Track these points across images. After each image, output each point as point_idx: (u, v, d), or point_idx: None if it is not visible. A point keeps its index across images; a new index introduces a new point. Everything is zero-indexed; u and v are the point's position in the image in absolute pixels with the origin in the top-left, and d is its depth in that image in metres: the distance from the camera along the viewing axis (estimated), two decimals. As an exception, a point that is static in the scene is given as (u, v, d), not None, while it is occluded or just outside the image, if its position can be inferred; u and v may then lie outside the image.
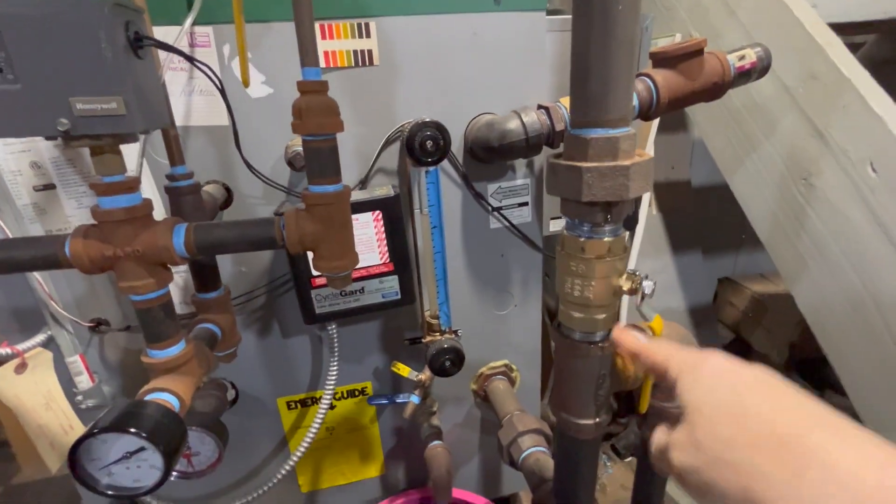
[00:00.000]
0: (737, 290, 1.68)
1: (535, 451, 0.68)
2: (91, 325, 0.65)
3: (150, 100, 0.38)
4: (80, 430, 0.66)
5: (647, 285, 0.40)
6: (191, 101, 0.59)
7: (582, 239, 0.40)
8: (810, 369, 1.52)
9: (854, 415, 0.80)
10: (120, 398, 0.71)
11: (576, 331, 0.44)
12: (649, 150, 1.24)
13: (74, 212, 0.61)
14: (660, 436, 0.32)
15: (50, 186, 0.59)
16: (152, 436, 0.36)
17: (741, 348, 1.68)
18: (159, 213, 0.60)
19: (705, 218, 1.47)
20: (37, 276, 0.60)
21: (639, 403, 0.47)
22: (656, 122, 1.23)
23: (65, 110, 0.33)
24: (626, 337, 0.39)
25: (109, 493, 0.37)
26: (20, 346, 0.60)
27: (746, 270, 1.74)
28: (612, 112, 0.35)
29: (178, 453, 0.38)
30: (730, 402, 0.27)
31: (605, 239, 0.39)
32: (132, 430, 0.35)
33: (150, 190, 0.60)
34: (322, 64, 0.60)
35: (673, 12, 1.05)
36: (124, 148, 0.38)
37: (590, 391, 0.45)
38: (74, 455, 0.36)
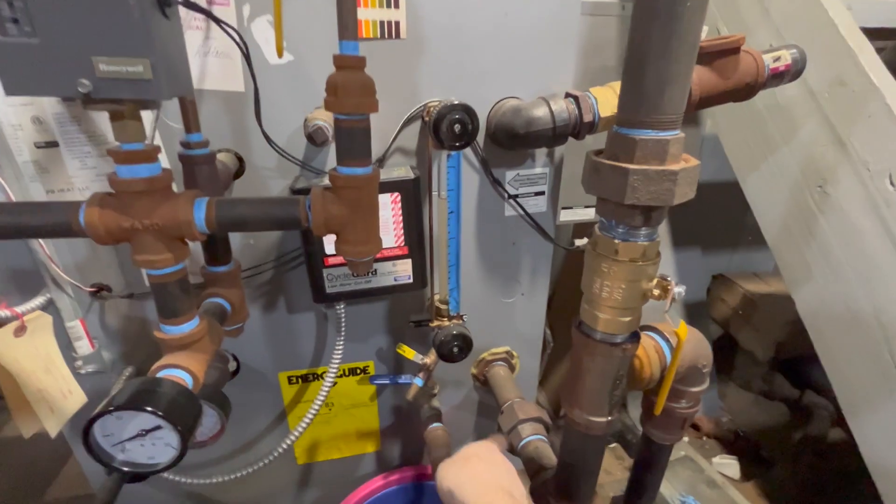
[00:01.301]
0: (729, 287, 1.71)
1: (535, 439, 0.69)
2: (92, 290, 0.63)
3: (175, 64, 0.35)
4: (79, 395, 0.65)
5: (678, 291, 0.39)
6: (206, 62, 0.56)
7: (616, 241, 0.39)
8: (793, 369, 1.56)
9: (841, 418, 0.83)
10: (119, 365, 0.70)
11: (598, 331, 0.43)
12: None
13: (78, 172, 0.58)
14: None
15: (52, 144, 0.56)
16: (169, 414, 0.35)
17: (729, 344, 1.72)
18: (169, 179, 0.57)
19: (708, 214, 1.47)
20: (37, 239, 0.57)
21: (655, 405, 0.47)
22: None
23: (87, 70, 0.31)
24: None
25: (124, 469, 0.37)
26: (19, 309, 0.58)
27: (741, 268, 1.77)
28: (666, 114, 0.34)
29: (193, 432, 0.38)
30: None
31: (641, 242, 0.39)
32: (149, 408, 0.34)
33: (161, 156, 0.57)
34: (347, 33, 0.57)
35: (702, 3, 1.02)
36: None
37: (606, 390, 0.45)
38: (89, 430, 0.35)
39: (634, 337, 0.44)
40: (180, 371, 0.40)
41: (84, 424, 0.35)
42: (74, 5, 0.30)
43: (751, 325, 1.64)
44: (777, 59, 0.64)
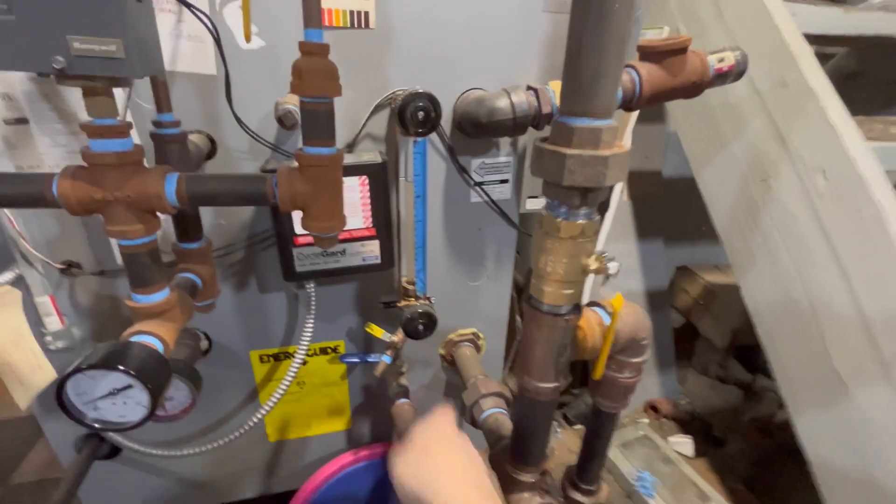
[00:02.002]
0: (691, 278, 1.79)
1: (495, 412, 0.74)
2: (62, 266, 0.64)
3: (147, 44, 0.37)
4: (48, 370, 0.66)
5: (613, 266, 0.44)
6: (178, 45, 0.57)
7: (559, 220, 0.43)
8: (747, 355, 1.66)
9: (780, 398, 0.90)
10: (89, 342, 0.71)
11: (544, 303, 0.48)
12: (627, 141, 1.28)
13: (48, 150, 0.59)
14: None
15: (22, 121, 0.57)
16: (139, 374, 0.38)
17: (689, 332, 1.81)
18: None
19: (671, 208, 1.54)
20: (7, 213, 0.58)
21: (594, 371, 0.52)
22: (636, 113, 1.27)
23: (61, 48, 0.33)
24: None
25: (96, 425, 0.39)
26: (-12, 283, 0.58)
27: (703, 260, 1.86)
28: (599, 104, 0.38)
29: (163, 392, 0.40)
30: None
31: (580, 221, 0.43)
32: (120, 367, 0.37)
33: (133, 135, 0.59)
34: (317, 21, 0.59)
35: (664, 5, 1.07)
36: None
37: (552, 358, 0.49)
38: (62, 388, 0.37)
39: (576, 309, 0.48)
40: (151, 337, 0.43)
41: (58, 381, 0.37)
42: (49, -15, 0.31)
43: (710, 314, 1.73)
44: (721, 59, 0.69)
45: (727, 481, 1.24)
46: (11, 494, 1.19)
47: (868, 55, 1.44)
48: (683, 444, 1.34)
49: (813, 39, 0.92)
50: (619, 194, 1.37)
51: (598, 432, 0.65)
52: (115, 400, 0.39)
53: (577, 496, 0.69)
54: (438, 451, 0.47)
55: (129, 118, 0.57)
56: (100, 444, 0.79)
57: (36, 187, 0.38)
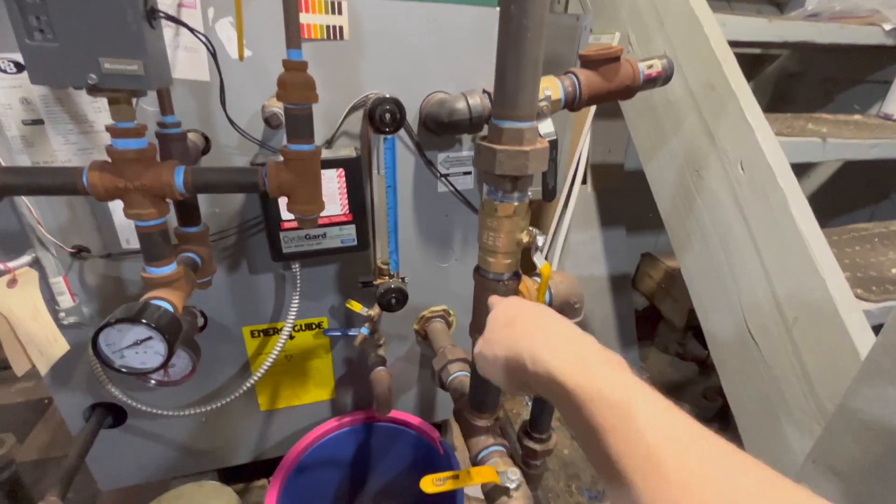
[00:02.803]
0: (654, 264, 1.93)
1: (460, 374, 0.84)
2: (73, 250, 0.73)
3: (160, 63, 0.46)
4: (62, 343, 0.74)
5: (540, 239, 0.54)
6: (176, 55, 0.66)
7: (496, 202, 0.53)
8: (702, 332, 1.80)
9: (706, 360, 1.03)
10: (97, 318, 0.80)
11: (489, 272, 0.58)
12: (586, 135, 1.40)
13: (60, 147, 0.67)
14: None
15: (38, 122, 0.65)
16: (159, 327, 0.47)
17: (653, 314, 1.95)
18: (144, 154, 0.67)
19: (634, 199, 1.67)
20: (26, 202, 0.66)
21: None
22: (592, 110, 1.39)
23: (94, 67, 0.42)
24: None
25: (123, 370, 0.48)
26: (11, 264, 0.67)
27: (667, 248, 1.99)
28: (521, 110, 0.48)
29: (176, 343, 0.50)
30: (499, 313, 0.46)
31: (513, 203, 0.53)
32: (143, 321, 0.46)
33: (136, 133, 0.67)
34: (298, 34, 0.69)
35: (616, 13, 1.18)
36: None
37: (496, 317, 0.60)
38: (96, 339, 0.47)
39: (515, 276, 0.59)
40: (163, 301, 0.52)
41: (92, 334, 0.46)
42: (86, 19, 0.41)
43: (671, 296, 1.87)
44: (650, 66, 0.81)
45: (678, 443, 1.37)
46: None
47: (806, 56, 1.58)
48: (641, 412, 1.47)
49: (750, 43, 1.04)
50: (580, 186, 1.49)
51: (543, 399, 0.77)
52: (138, 349, 0.48)
53: (531, 444, 0.80)
54: (535, 315, 0.43)
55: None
56: (105, 414, 0.88)
57: (70, 178, 0.47)
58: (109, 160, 0.48)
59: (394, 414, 1.00)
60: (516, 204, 0.53)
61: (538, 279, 0.65)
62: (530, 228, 0.55)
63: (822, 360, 0.76)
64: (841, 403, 0.69)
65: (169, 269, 0.54)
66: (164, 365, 0.49)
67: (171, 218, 0.68)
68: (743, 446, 0.96)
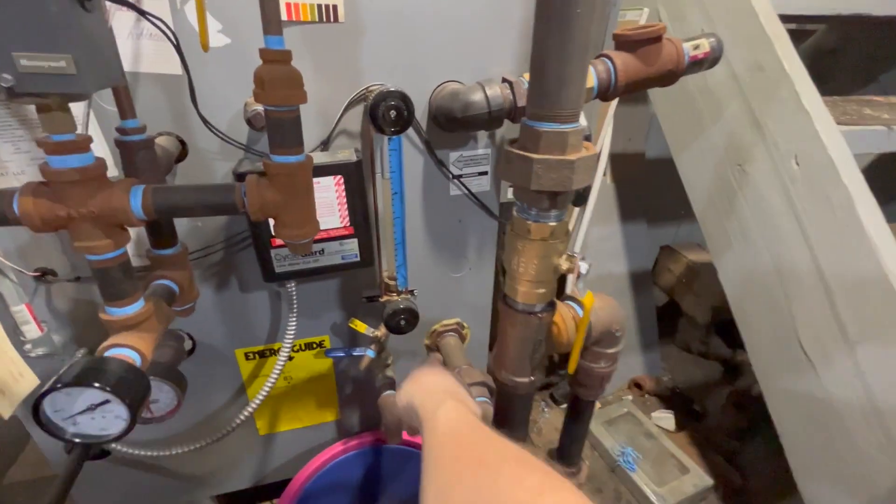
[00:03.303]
0: (675, 257, 1.82)
1: (479, 400, 0.75)
2: (36, 274, 0.64)
3: (101, 55, 0.36)
4: (30, 377, 0.66)
5: (583, 266, 0.44)
6: (139, 45, 0.55)
7: (529, 222, 0.43)
8: (727, 330, 1.71)
9: (752, 368, 0.94)
10: (71, 347, 0.71)
11: (518, 302, 0.49)
12: (608, 124, 1.28)
13: (11, 157, 0.58)
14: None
15: (-19, 128, 0.55)
16: (116, 389, 0.38)
17: (673, 310, 1.85)
18: (110, 164, 0.57)
19: (654, 189, 1.55)
20: (-27, 224, 0.57)
21: (568, 365, 0.53)
22: (616, 99, 1.26)
23: (7, 65, 0.31)
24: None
25: (76, 440, 0.39)
26: (-40, 295, 0.58)
27: (687, 239, 1.89)
28: (565, 108, 0.38)
29: (143, 405, 0.41)
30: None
31: (550, 223, 0.43)
32: (96, 384, 0.37)
33: (98, 140, 0.57)
34: (284, 17, 0.58)
35: (644, -15, 1.06)
36: (72, 102, 0.37)
37: (527, 354, 0.51)
38: (38, 406, 0.38)
39: (550, 306, 0.49)
40: (127, 350, 0.43)
41: (32, 401, 0.37)
42: (-10, 1, 0.30)
43: (692, 291, 1.77)
44: (696, 47, 0.69)
45: (706, 453, 1.29)
46: (6, 493, 1.20)
47: (847, 31, 1.44)
48: (665, 418, 1.39)
49: (791, 17, 0.92)
50: (601, 178, 1.37)
51: (576, 418, 0.68)
52: (94, 415, 0.39)
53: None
54: (424, 374, 0.55)
55: (92, 124, 0.56)
56: (89, 447, 0.80)
57: (-4, 206, 0.37)
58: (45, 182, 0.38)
59: (404, 436, 0.92)
60: (554, 224, 0.43)
61: (573, 304, 0.55)
62: (571, 253, 0.45)
63: (893, 387, 0.66)
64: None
65: (133, 309, 0.45)
66: (128, 431, 0.40)
67: (144, 235, 0.59)
68: (773, 461, 0.87)
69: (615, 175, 1.48)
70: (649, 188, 1.54)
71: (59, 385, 0.37)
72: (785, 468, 0.88)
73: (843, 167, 0.72)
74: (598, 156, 0.40)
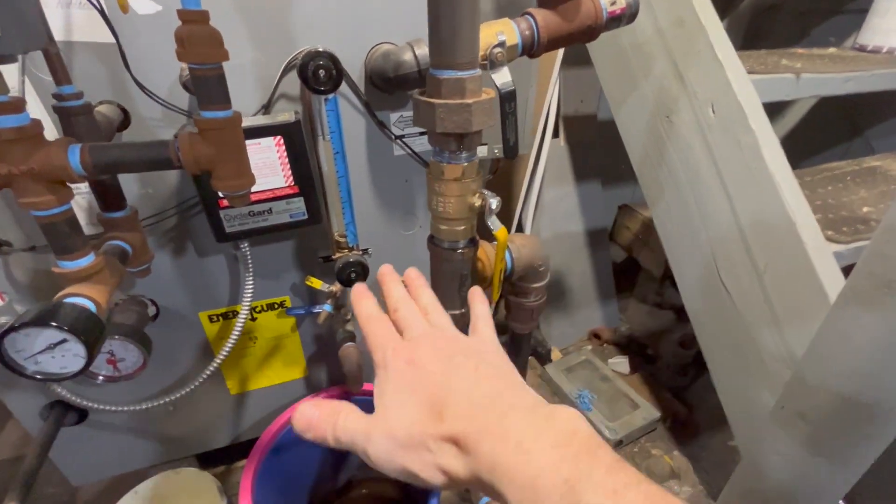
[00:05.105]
0: (632, 215, 1.91)
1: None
2: (-9, 245, 0.66)
3: (25, 17, 0.39)
4: (-3, 344, 0.69)
5: (493, 202, 0.50)
6: (70, 14, 0.57)
7: (443, 164, 0.48)
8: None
9: (684, 308, 1.03)
10: (35, 316, 0.74)
11: (444, 241, 0.54)
12: (554, 84, 1.33)
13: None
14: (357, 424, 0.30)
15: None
16: (73, 328, 0.42)
17: (631, 265, 1.95)
18: (51, 134, 0.60)
19: (609, 150, 1.61)
20: (-78, 196, 0.59)
21: (492, 295, 0.59)
22: (559, 58, 1.31)
23: (-69, 28, 0.34)
24: (360, 303, 0.39)
25: (38, 377, 0.44)
26: (-84, 266, 0.60)
27: (643, 199, 1.97)
28: (460, 57, 0.43)
29: (99, 342, 0.45)
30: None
31: (462, 164, 0.48)
32: (52, 323, 0.41)
33: (37, 109, 0.59)
34: (212, -18, 0.60)
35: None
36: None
37: (455, 288, 0.57)
38: (0, 346, 0.42)
39: (472, 242, 0.55)
40: (81, 298, 0.47)
41: (-5, 341, 0.41)
42: None
43: (648, 246, 1.86)
44: (613, 3, 0.74)
45: (656, 391, 1.40)
46: (-11, 472, 1.23)
47: (783, -12, 1.50)
48: (620, 363, 1.49)
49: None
50: (549, 140, 1.43)
51: (515, 352, 0.75)
52: (54, 353, 0.44)
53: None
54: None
55: (31, 95, 0.58)
56: (65, 412, 0.84)
57: (-61, 165, 0.40)
58: (-15, 142, 0.41)
59: (367, 387, 0.98)
60: (465, 165, 0.48)
61: (495, 243, 0.61)
62: (483, 191, 0.50)
63: (791, 306, 0.75)
64: (809, 347, 0.69)
65: (85, 262, 0.49)
66: (87, 367, 0.45)
67: (94, 202, 0.62)
68: (716, 393, 0.98)
69: (568, 137, 1.54)
70: (604, 149, 1.60)
71: (16, 325, 0.41)
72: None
73: (751, 113, 0.79)
74: (493, 100, 0.45)
